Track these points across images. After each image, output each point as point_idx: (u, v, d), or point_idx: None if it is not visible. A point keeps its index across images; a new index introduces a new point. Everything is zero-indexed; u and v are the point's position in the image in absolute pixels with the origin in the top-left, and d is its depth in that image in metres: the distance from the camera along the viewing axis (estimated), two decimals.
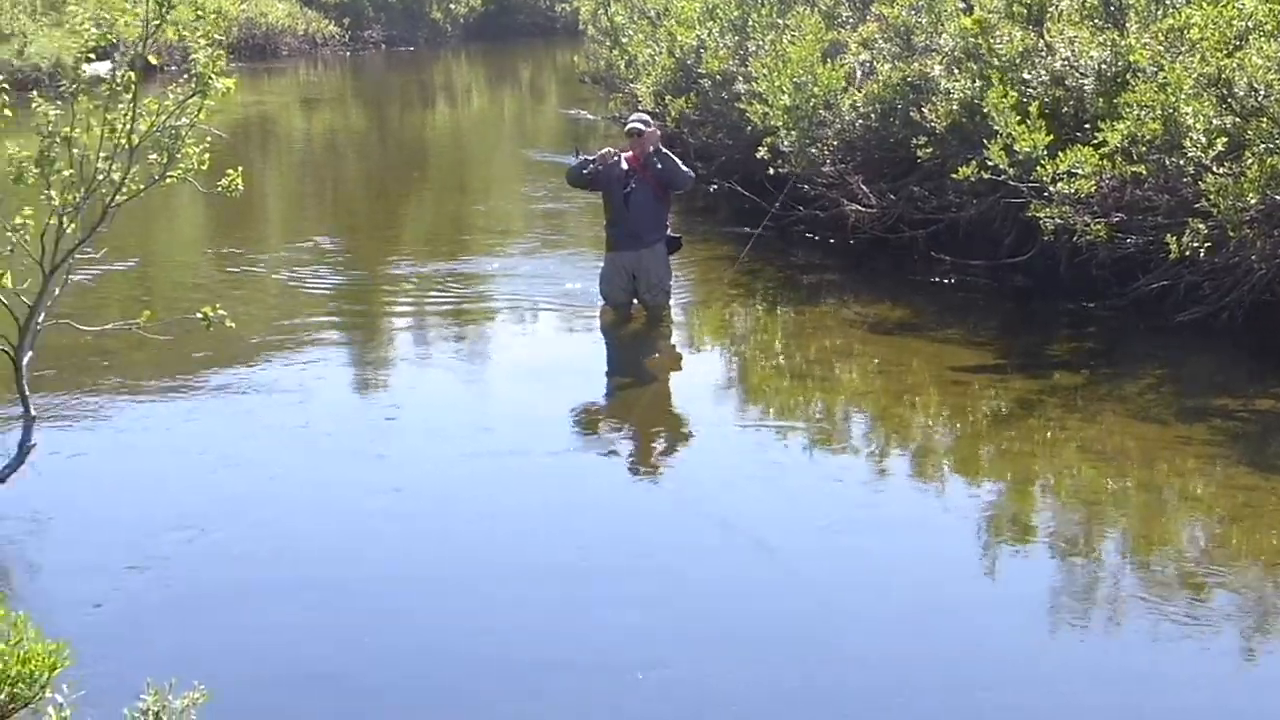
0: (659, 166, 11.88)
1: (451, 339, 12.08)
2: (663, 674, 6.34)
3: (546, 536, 7.89)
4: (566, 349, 11.77)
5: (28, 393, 8.10)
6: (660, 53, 19.66)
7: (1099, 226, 11.01)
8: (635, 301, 12.19)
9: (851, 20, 16.40)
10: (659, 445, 9.74)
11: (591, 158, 12.05)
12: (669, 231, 12.25)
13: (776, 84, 14.53)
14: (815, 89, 14.27)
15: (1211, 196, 10.35)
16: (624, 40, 22.65)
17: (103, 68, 8.27)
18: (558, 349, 11.77)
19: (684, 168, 12.01)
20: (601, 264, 12.38)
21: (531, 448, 9.28)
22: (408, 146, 26.54)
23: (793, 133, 14.29)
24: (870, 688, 6.27)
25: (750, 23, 16.96)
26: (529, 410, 10.06)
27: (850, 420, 10.01)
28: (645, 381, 11.18)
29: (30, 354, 8.21)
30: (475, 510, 8.33)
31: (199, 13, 8.05)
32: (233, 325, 8.94)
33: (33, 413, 8.12)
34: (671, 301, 12.41)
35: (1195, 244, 10.35)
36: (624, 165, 11.97)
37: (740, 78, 16.45)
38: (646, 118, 12.47)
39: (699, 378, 10.96)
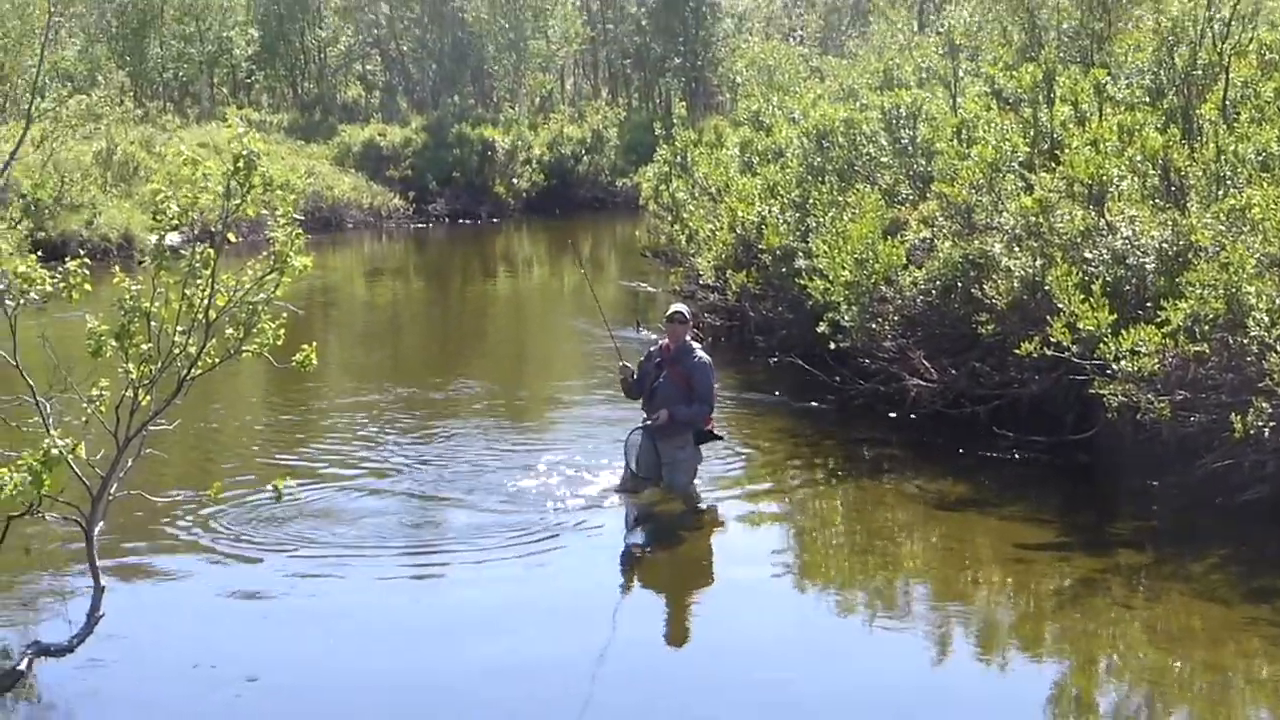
0: (691, 369, 11.77)
1: (500, 528, 11.32)
2: None
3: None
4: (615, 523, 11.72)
5: (98, 562, 8.17)
6: (721, 228, 19.88)
7: (1163, 404, 10.99)
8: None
9: (911, 198, 16.58)
10: (714, 619, 9.72)
11: (631, 366, 12.12)
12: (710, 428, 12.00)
13: (837, 260, 14.68)
14: (876, 265, 14.41)
15: (1275, 375, 10.35)
16: (685, 215, 22.92)
17: (175, 238, 8.43)
18: (615, 525, 11.67)
19: (703, 402, 11.78)
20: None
21: (598, 626, 9.35)
22: (468, 317, 26.79)
23: (853, 308, 14.40)
24: None
25: (811, 200, 17.16)
26: (583, 586, 10.12)
27: (912, 597, 9.95)
28: (704, 554, 11.14)
29: (101, 524, 8.29)
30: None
31: (269, 187, 8.19)
32: (301, 500, 9.02)
33: (102, 583, 8.18)
34: (705, 480, 12.27)
35: (1259, 423, 10.33)
36: (658, 355, 11.96)
37: (801, 253, 16.61)
38: (685, 309, 12.14)
39: (758, 552, 10.91)
